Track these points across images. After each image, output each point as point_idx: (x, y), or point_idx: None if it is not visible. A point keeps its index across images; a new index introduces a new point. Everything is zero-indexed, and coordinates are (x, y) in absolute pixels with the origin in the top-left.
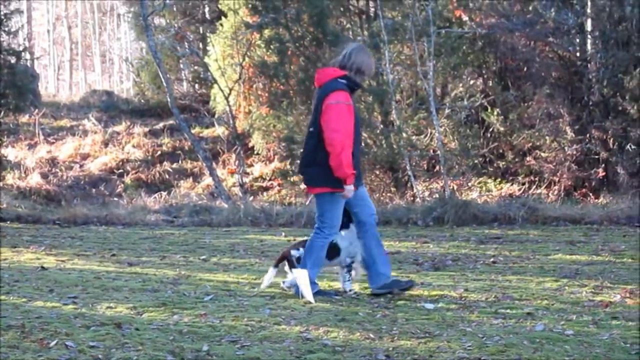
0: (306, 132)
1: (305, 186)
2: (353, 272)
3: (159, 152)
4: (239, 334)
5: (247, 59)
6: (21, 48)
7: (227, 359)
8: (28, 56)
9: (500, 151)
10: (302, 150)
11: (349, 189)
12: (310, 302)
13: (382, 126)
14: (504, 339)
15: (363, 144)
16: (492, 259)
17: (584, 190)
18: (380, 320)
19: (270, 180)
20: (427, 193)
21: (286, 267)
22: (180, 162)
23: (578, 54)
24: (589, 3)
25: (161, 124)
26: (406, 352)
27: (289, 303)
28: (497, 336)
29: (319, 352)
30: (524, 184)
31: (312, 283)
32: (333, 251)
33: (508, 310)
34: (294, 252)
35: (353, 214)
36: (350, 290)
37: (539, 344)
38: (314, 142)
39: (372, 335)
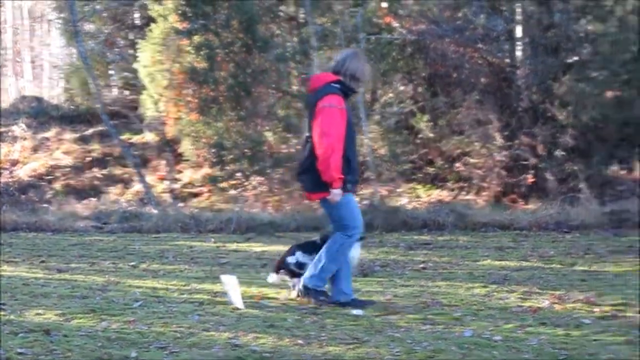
0: (303, 138)
1: (304, 192)
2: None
3: (88, 158)
4: (167, 340)
5: (176, 65)
6: None
7: None
8: None
9: (430, 157)
10: (299, 156)
11: (336, 192)
12: (238, 309)
13: None
14: (433, 344)
15: (293, 150)
16: (421, 265)
17: (513, 196)
18: (309, 327)
19: (200, 186)
20: (356, 199)
21: (286, 277)
22: (109, 168)
23: (507, 60)
24: (518, 10)
25: (91, 130)
26: (334, 358)
27: (218, 309)
28: (426, 342)
29: (248, 358)
30: (453, 189)
31: (322, 279)
32: (314, 246)
33: (437, 316)
34: (290, 259)
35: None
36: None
37: (467, 350)
38: (310, 148)
39: (300, 342)
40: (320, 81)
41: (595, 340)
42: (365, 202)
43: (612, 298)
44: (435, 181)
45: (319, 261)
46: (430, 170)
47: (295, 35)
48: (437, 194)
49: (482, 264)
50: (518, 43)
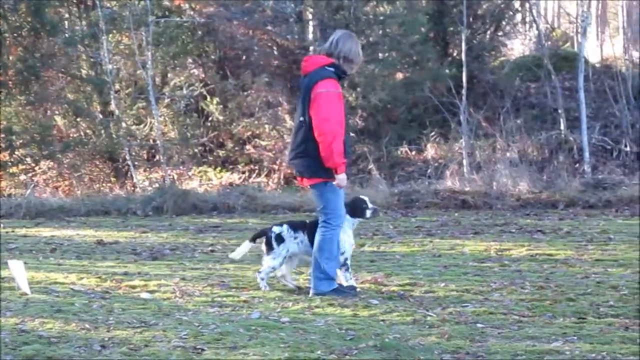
0: (295, 122)
1: (298, 177)
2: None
3: None
4: None
5: None
6: None
7: None
8: None
9: (220, 140)
10: (290, 140)
11: (341, 177)
12: (26, 294)
13: (101, 116)
14: (220, 327)
15: (83, 134)
16: (210, 248)
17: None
18: (97, 311)
19: None
20: (147, 183)
21: (262, 245)
22: None
23: (296, 43)
24: None
25: None
26: (122, 342)
27: (5, 295)
28: (213, 324)
29: (35, 343)
30: (244, 172)
31: (331, 279)
32: (302, 225)
33: (224, 299)
34: (275, 229)
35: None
36: (355, 288)
37: (254, 332)
38: (304, 132)
39: (88, 326)
40: (314, 64)
41: (382, 320)
42: (155, 185)
43: (400, 278)
44: (226, 164)
45: (317, 267)
46: (221, 153)
47: (85, 19)
48: (228, 177)
49: None
50: (308, 25)
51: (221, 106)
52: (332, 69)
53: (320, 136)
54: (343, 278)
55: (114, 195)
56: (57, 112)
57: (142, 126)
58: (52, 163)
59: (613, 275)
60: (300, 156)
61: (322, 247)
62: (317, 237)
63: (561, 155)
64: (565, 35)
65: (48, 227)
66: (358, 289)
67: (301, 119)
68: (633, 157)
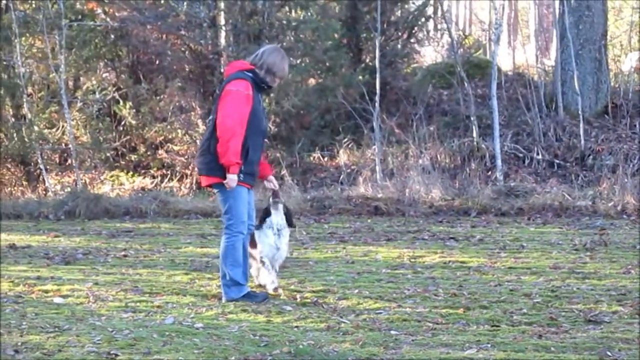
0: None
1: (199, 176)
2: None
3: None
4: None
5: None
6: None
7: None
8: None
9: (133, 144)
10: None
11: (232, 178)
12: None
13: (13, 120)
14: (134, 332)
15: None
16: (122, 253)
17: None
18: (9, 315)
19: None
20: (59, 187)
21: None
22: None
23: (210, 48)
24: None
25: None
26: (35, 346)
27: None
28: (127, 330)
29: None
30: (156, 177)
31: (240, 285)
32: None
33: (138, 304)
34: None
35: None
36: (276, 290)
37: (168, 337)
38: (211, 130)
39: (1, 331)
40: (234, 68)
41: (296, 326)
42: (67, 189)
43: (314, 285)
44: (138, 168)
45: (224, 275)
46: (134, 157)
47: None
48: (140, 182)
49: (184, 251)
50: (221, 30)
51: (134, 110)
52: (249, 74)
53: (219, 132)
54: (265, 272)
55: (25, 199)
56: None
57: (54, 130)
58: None
59: (526, 283)
60: (202, 154)
61: (225, 255)
62: (221, 245)
63: (473, 163)
64: (477, 42)
65: None
66: (279, 290)
67: (211, 117)
68: (545, 165)
